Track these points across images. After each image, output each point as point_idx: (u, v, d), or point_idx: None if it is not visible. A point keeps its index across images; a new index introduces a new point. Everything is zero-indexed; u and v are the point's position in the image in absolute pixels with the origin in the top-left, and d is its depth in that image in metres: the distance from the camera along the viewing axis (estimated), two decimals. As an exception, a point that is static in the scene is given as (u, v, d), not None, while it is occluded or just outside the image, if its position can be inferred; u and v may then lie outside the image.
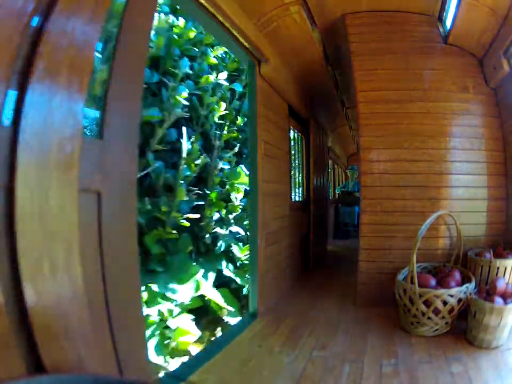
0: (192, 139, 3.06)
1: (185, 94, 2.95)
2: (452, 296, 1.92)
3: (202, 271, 2.93)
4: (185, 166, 2.92)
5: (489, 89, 2.60)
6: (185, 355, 2.49)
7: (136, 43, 1.06)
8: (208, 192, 3.28)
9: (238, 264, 3.39)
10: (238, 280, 3.23)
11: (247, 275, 3.09)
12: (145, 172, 2.70)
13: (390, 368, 1.63)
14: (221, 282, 3.18)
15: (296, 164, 3.86)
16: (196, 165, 3.05)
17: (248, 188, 3.00)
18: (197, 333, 2.59)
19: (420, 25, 2.64)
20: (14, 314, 0.68)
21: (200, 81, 3.25)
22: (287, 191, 3.14)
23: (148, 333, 2.34)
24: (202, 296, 2.87)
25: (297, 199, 3.73)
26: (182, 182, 2.92)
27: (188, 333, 2.52)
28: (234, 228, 3.49)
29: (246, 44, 2.17)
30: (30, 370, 0.69)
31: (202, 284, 2.83)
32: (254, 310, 2.36)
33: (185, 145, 2.86)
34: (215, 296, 2.90)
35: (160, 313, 2.51)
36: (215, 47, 3.47)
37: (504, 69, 2.34)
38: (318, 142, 4.34)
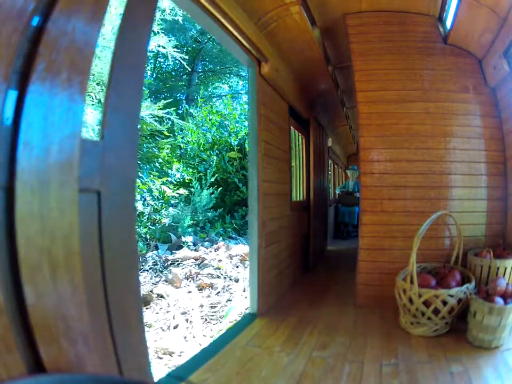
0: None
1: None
2: (451, 296, 1.92)
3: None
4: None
5: (489, 89, 2.60)
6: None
7: (136, 43, 1.06)
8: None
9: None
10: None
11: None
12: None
13: (390, 368, 1.63)
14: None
15: (296, 164, 3.86)
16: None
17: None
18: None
19: (420, 25, 2.64)
20: (14, 314, 0.68)
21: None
22: (287, 191, 3.14)
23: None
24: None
25: (297, 199, 3.73)
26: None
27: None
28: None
29: (246, 43, 2.17)
30: (30, 370, 0.69)
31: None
32: (254, 310, 2.35)
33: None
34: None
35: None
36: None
37: (504, 69, 2.34)
38: (318, 142, 4.34)
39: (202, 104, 9.48)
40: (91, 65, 0.85)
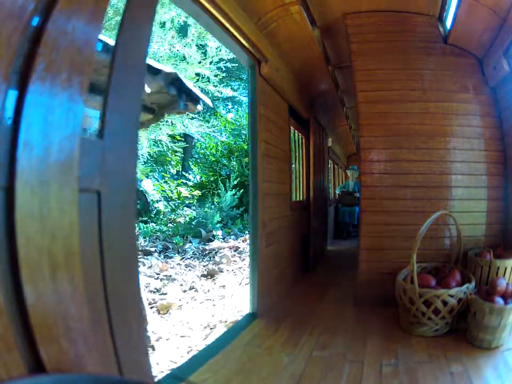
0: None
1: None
2: (452, 296, 1.92)
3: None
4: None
5: (489, 89, 2.60)
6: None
7: (136, 43, 1.06)
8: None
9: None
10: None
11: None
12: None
13: (390, 368, 1.63)
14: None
15: (296, 164, 3.86)
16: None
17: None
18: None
19: (420, 25, 2.64)
20: (14, 314, 0.68)
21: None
22: (287, 191, 3.14)
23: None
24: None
25: (297, 199, 3.73)
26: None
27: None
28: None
29: (246, 44, 2.17)
30: (30, 370, 0.69)
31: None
32: (254, 310, 2.35)
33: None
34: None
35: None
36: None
37: (504, 69, 2.34)
38: (318, 142, 4.34)
39: (222, 114, 10.96)
40: (91, 65, 0.85)
